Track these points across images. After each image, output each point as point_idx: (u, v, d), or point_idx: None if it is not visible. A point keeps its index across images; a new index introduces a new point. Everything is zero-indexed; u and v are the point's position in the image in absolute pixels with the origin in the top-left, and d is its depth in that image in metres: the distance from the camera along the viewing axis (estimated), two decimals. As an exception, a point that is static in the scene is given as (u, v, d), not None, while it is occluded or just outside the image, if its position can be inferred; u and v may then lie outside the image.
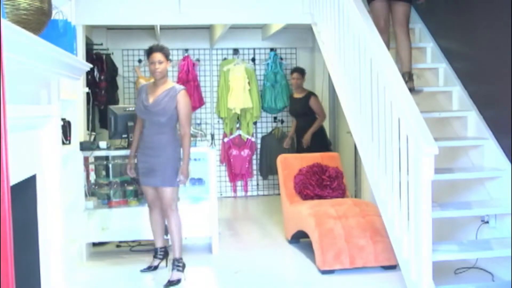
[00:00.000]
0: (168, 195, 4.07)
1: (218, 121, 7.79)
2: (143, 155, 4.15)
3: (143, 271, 4.30)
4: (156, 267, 4.35)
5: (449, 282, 3.58)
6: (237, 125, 7.69)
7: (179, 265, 4.07)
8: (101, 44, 6.73)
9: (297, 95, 6.44)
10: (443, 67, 4.79)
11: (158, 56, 4.03)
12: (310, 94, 6.41)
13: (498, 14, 3.97)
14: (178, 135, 4.16)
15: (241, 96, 7.38)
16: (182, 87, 4.15)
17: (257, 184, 7.92)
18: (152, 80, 4.20)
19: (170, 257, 4.25)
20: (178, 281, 4.01)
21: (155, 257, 4.39)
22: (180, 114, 4.05)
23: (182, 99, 4.05)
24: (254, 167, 7.84)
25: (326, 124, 7.67)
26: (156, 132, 4.07)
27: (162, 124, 4.05)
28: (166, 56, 4.09)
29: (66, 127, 4.28)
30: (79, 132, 4.75)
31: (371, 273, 4.14)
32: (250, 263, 4.57)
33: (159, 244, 4.37)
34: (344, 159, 6.81)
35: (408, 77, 4.48)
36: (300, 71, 6.47)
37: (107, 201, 4.92)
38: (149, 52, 4.08)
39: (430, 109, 4.58)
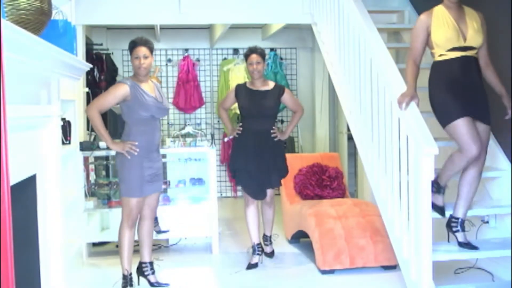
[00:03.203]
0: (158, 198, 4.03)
1: (218, 121, 7.78)
2: (149, 161, 3.74)
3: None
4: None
5: (449, 282, 3.58)
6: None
7: (152, 268, 3.98)
8: (101, 44, 6.72)
9: (260, 86, 4.35)
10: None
11: (143, 50, 3.67)
12: (281, 86, 4.48)
13: (498, 13, 3.96)
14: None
15: (241, 96, 7.35)
16: (155, 81, 3.96)
17: (257, 184, 7.90)
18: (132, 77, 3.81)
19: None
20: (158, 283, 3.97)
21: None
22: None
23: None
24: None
25: (325, 124, 7.68)
26: (157, 131, 3.86)
27: (159, 121, 3.90)
28: (151, 50, 3.74)
29: (66, 127, 4.27)
30: (79, 132, 4.75)
31: (371, 273, 4.14)
32: (250, 263, 4.56)
33: None
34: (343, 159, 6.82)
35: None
36: (261, 53, 4.32)
37: (107, 201, 4.92)
38: (133, 46, 3.69)
39: (430, 109, 4.56)
